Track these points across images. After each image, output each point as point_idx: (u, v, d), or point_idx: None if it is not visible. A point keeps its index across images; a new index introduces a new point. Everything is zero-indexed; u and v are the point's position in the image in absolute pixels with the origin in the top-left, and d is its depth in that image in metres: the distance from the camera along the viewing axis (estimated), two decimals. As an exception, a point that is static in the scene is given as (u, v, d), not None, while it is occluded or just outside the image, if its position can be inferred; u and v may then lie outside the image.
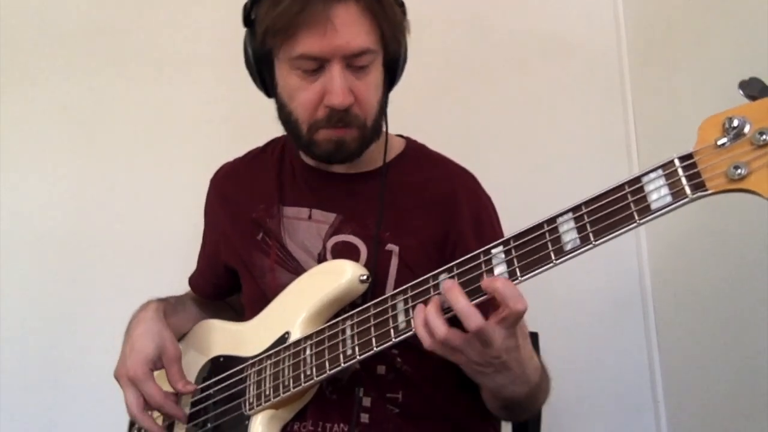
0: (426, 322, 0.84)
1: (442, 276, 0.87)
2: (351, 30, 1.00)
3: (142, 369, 1.08)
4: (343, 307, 1.05)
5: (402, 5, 1.08)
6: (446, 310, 0.84)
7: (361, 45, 1.01)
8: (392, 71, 1.11)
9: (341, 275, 1.04)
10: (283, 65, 1.05)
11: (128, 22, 1.91)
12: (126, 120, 1.87)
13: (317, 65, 1.01)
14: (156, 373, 1.11)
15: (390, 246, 1.10)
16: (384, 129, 1.14)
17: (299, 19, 0.98)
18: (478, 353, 0.83)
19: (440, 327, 0.82)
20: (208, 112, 1.86)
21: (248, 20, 1.07)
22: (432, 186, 1.15)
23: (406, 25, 1.09)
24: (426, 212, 1.12)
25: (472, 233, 1.10)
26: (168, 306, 1.23)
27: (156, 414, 1.15)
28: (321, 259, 1.13)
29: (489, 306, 0.83)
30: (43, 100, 1.86)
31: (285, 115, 1.09)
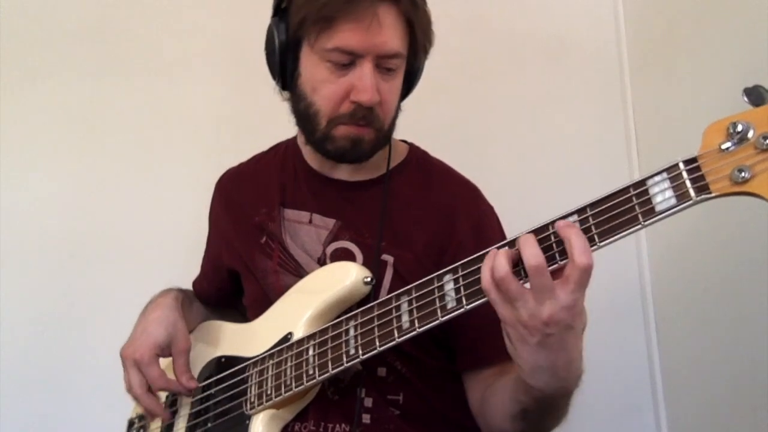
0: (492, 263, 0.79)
1: (447, 277, 0.87)
2: (390, 31, 1.01)
3: (149, 353, 1.08)
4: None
5: (431, 22, 1.09)
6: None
7: (396, 47, 1.02)
8: (409, 82, 1.12)
9: (345, 277, 1.04)
10: (312, 56, 1.04)
11: (129, 21, 1.91)
12: (127, 120, 1.86)
13: (349, 60, 1.01)
14: (163, 364, 1.11)
15: (385, 256, 1.09)
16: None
17: (345, 11, 0.98)
18: (528, 311, 0.77)
19: (503, 265, 0.78)
20: (210, 112, 1.86)
21: (279, 8, 1.06)
22: (432, 198, 1.15)
23: (433, 39, 1.10)
24: (424, 225, 1.12)
25: (473, 242, 1.08)
26: (186, 298, 1.23)
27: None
28: (322, 263, 1.12)
29: None
30: (44, 100, 1.86)
31: (303, 108, 1.08)
